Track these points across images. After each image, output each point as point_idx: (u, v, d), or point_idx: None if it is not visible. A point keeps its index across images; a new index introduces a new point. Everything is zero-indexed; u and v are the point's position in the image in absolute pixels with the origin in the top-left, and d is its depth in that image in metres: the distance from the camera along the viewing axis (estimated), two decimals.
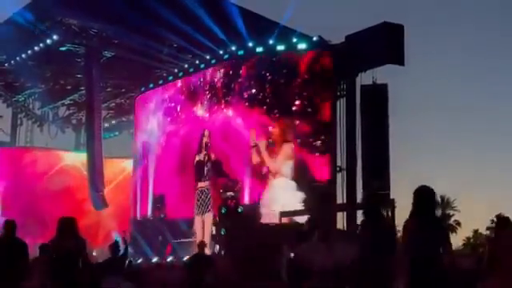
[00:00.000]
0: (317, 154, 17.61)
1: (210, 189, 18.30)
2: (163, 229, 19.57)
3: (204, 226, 17.75)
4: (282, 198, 17.26)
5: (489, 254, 7.92)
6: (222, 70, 18.99)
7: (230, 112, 18.27)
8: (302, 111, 17.84)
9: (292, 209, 16.79)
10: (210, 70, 20.90)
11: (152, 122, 24.13)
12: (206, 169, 18.15)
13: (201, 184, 18.37)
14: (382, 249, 6.61)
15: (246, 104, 18.44)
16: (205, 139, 18.47)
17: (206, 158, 18.15)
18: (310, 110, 17.65)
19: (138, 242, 24.19)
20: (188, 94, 22.18)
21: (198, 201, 18.30)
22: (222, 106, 19.25)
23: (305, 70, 18.32)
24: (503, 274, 7.51)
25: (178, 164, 21.37)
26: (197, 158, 18.57)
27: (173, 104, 23.37)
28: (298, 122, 17.52)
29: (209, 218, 17.71)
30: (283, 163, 17.30)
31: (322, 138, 17.58)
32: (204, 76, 20.14)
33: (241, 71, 18.59)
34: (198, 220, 18.12)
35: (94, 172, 25.83)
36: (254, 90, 18.21)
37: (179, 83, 22.21)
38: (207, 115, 19.34)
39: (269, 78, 18.22)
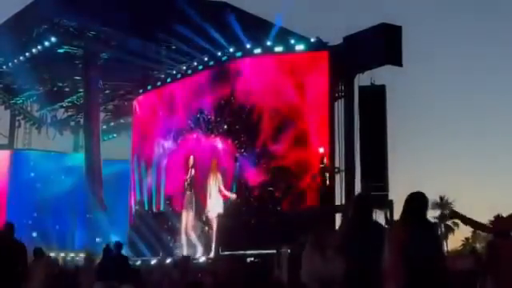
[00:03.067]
0: None
1: (192, 195, 23.57)
2: (171, 217, 24.45)
3: (188, 219, 23.60)
4: None
5: (488, 257, 7.86)
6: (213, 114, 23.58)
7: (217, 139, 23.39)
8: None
9: None
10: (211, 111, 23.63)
11: (168, 140, 25.70)
12: (186, 183, 23.74)
13: (187, 193, 23.82)
14: (370, 250, 6.60)
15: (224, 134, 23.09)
16: (190, 163, 23.88)
17: (190, 174, 23.79)
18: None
19: (137, 243, 24.51)
20: (192, 123, 24.56)
21: (186, 202, 23.75)
22: (212, 136, 23.50)
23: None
24: (502, 277, 7.48)
25: (181, 172, 24.55)
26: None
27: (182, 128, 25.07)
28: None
29: (191, 212, 23.54)
30: None
31: None
32: (202, 112, 24.02)
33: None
34: (184, 214, 23.78)
35: (92, 174, 25.85)
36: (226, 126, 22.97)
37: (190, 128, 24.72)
38: (203, 139, 24.07)
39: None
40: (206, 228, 22.64)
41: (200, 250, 22.61)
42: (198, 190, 23.34)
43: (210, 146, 23.30)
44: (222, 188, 22.22)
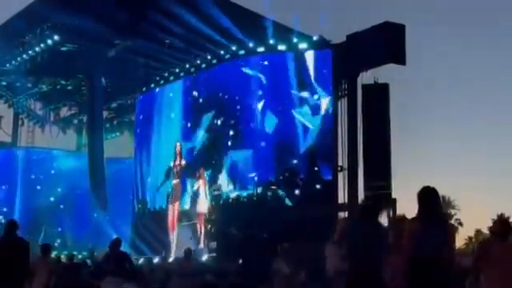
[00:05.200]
0: None
1: (178, 184, 23.90)
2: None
3: (174, 211, 23.85)
4: None
5: (476, 256, 7.77)
6: None
7: None
8: None
9: None
10: None
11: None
12: (175, 170, 24.00)
13: (174, 181, 24.19)
14: (372, 249, 6.59)
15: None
16: (177, 150, 24.16)
17: (177, 162, 24.04)
18: None
19: (139, 242, 24.59)
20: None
21: (172, 193, 24.06)
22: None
23: None
24: (490, 278, 7.40)
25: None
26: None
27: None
28: None
29: (176, 205, 23.80)
30: None
31: None
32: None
33: None
34: (170, 208, 24.12)
35: (95, 173, 25.86)
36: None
37: None
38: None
39: None
40: (194, 224, 22.75)
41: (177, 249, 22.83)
42: (185, 180, 23.62)
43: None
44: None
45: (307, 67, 20.96)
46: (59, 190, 29.79)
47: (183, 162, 23.78)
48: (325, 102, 20.65)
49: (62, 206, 29.67)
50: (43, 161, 30.80)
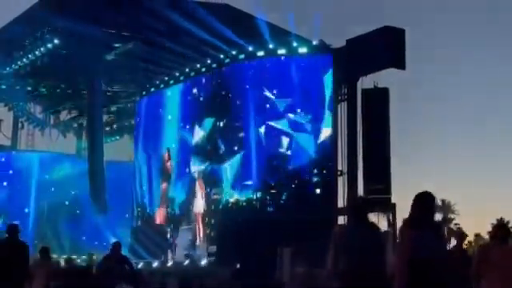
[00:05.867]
0: None
1: (166, 188, 24.52)
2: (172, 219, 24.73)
3: (160, 214, 24.48)
4: None
5: (476, 260, 7.78)
6: None
7: None
8: None
9: None
10: None
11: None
12: (164, 175, 24.63)
13: (162, 185, 24.90)
14: (370, 251, 6.64)
15: None
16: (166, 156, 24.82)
17: (166, 167, 24.77)
18: None
19: (139, 246, 24.60)
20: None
21: (160, 197, 24.70)
22: None
23: None
24: (490, 282, 7.40)
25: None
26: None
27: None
28: None
29: (163, 209, 24.39)
30: None
31: None
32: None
33: None
34: (157, 211, 24.68)
35: (95, 176, 25.85)
36: None
37: None
38: None
39: None
40: (193, 228, 22.79)
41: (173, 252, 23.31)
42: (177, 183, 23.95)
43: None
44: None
45: (310, 74, 21.00)
46: (59, 193, 29.80)
47: (169, 166, 24.31)
48: (326, 131, 20.69)
49: (61, 210, 29.70)
50: (42, 164, 30.80)
